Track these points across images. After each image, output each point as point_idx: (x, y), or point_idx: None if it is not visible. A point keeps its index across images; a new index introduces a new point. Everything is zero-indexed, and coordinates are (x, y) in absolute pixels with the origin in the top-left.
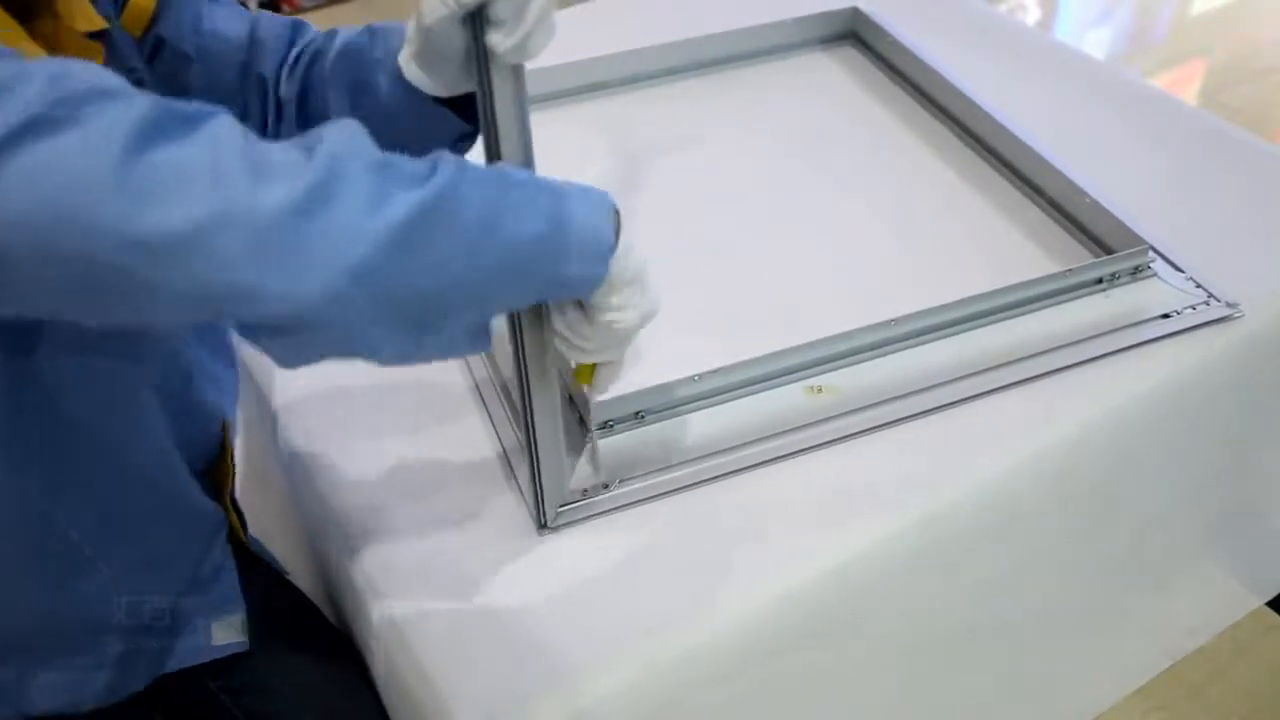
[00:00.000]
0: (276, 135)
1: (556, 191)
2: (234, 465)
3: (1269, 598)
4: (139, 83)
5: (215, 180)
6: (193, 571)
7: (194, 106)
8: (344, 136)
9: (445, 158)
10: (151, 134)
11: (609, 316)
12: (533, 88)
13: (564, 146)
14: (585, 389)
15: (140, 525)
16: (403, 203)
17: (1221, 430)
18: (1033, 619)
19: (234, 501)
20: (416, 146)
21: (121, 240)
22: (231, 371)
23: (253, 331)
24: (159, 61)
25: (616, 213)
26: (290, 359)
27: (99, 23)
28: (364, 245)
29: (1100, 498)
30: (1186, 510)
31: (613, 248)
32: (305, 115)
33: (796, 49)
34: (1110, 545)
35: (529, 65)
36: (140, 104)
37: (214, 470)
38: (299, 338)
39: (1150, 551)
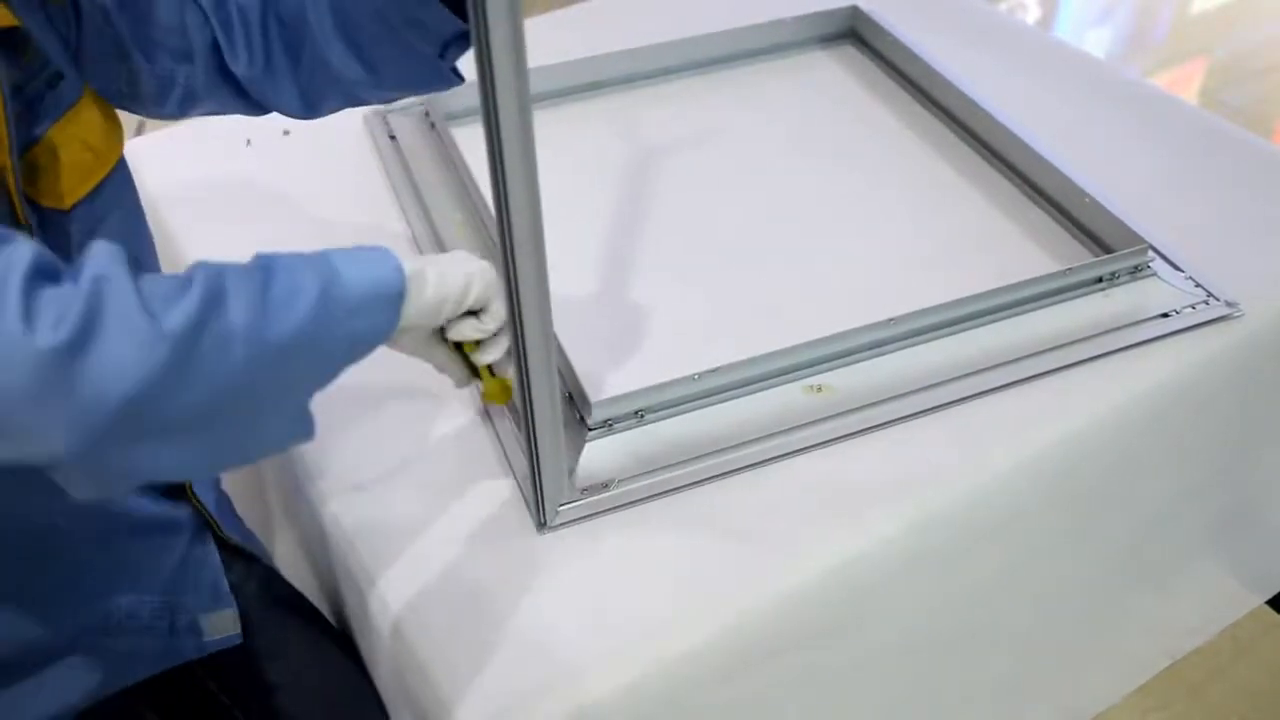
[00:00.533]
0: (232, 47)
1: (321, 262)
2: None
3: (1269, 597)
4: (57, 76)
5: None
6: (173, 571)
7: None
8: (104, 262)
9: (201, 267)
10: None
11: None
12: (533, 87)
13: (563, 146)
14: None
15: (104, 531)
16: (169, 324)
17: (1221, 430)
18: (1032, 618)
19: (198, 498)
20: (405, 48)
21: None
22: None
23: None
24: (86, 22)
25: (398, 265)
26: (86, 491)
27: (7, 19)
28: (134, 375)
29: (1100, 497)
30: (1186, 510)
31: (399, 290)
32: (278, 19)
33: (796, 48)
34: (1110, 545)
35: (530, 64)
36: None
37: None
38: (87, 471)
39: (1150, 551)
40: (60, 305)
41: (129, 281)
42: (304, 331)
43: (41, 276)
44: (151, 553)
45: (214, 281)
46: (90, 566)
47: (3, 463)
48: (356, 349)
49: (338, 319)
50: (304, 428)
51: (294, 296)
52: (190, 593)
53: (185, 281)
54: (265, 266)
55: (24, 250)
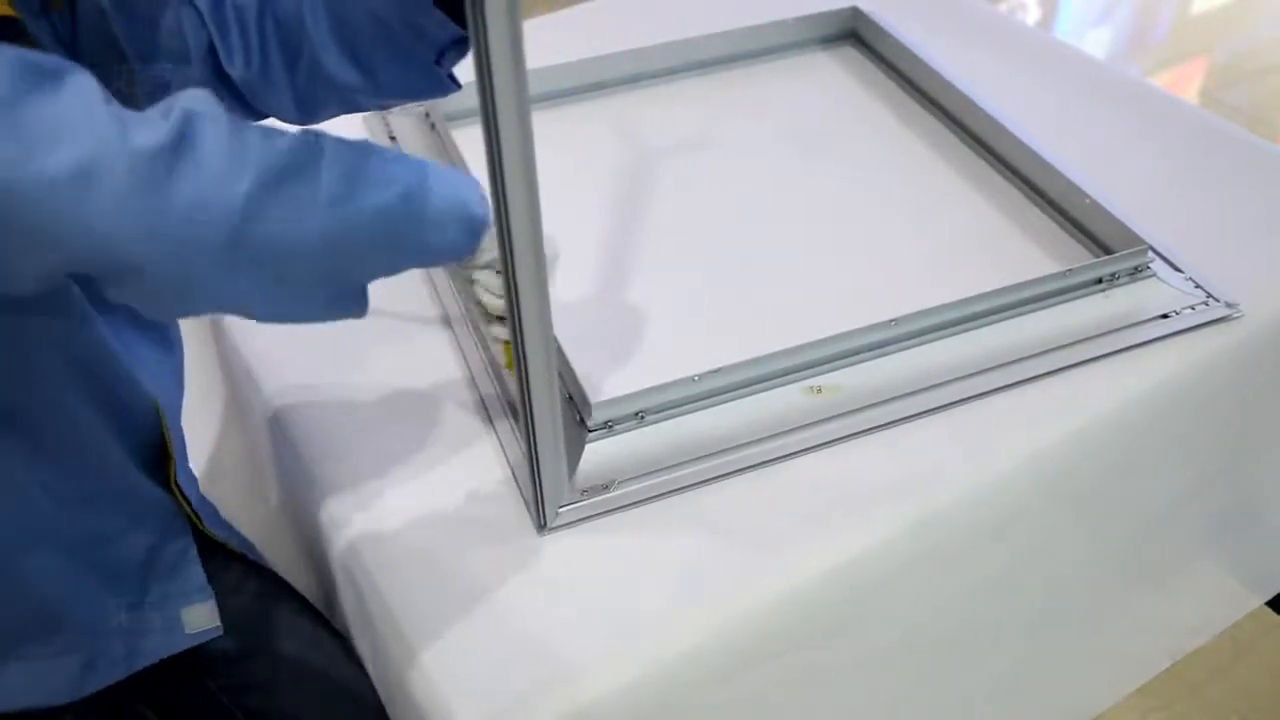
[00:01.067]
0: (228, 48)
1: (419, 165)
2: (174, 451)
3: (1269, 598)
4: None
5: (90, 127)
6: (149, 557)
7: (52, 60)
8: (198, 97)
9: (307, 130)
10: (20, 86)
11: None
12: (533, 87)
13: (563, 146)
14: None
15: (78, 503)
16: (260, 155)
17: (1221, 430)
18: (1032, 619)
19: (181, 489)
20: (401, 54)
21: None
22: (164, 352)
23: (110, 279)
24: (82, 22)
25: (483, 198)
26: (152, 310)
27: (3, 9)
28: (224, 196)
29: (1100, 498)
30: (1186, 510)
31: (481, 220)
32: (275, 19)
33: (797, 49)
34: (1110, 545)
35: (530, 65)
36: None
37: (159, 457)
38: (156, 286)
39: (1150, 551)
40: (152, 117)
41: (220, 107)
42: (379, 220)
43: (114, 102)
44: (131, 543)
45: (312, 139)
46: (68, 555)
47: (78, 267)
48: (428, 259)
49: (414, 225)
50: (358, 304)
51: (381, 184)
52: (169, 584)
53: (282, 132)
54: (363, 148)
55: (91, 79)
